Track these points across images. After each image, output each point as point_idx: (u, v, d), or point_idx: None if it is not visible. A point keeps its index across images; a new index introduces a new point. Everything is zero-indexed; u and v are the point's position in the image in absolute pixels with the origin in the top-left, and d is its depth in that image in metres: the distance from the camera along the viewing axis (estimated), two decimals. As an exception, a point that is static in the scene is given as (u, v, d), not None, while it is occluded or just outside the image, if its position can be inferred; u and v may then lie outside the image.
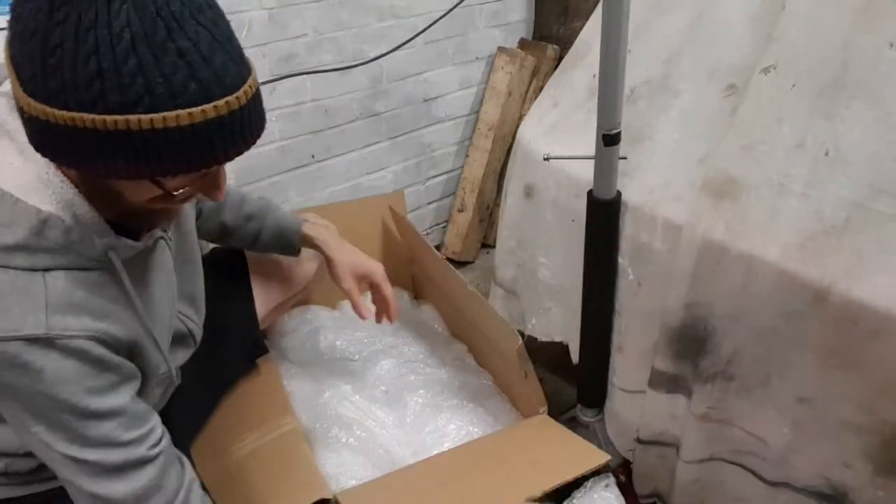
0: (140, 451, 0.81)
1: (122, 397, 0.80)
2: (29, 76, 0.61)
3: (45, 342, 0.71)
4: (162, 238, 0.91)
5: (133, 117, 0.60)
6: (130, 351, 0.83)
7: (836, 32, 1.01)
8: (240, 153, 0.69)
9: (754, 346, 1.04)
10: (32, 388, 0.72)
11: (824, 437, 1.00)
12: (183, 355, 1.08)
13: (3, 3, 1.34)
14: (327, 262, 1.29)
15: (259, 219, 1.26)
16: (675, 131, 1.19)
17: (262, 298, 1.37)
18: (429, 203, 2.33)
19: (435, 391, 1.46)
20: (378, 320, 1.35)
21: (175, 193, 0.70)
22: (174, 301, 0.97)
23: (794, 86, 1.03)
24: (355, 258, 1.29)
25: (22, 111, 0.63)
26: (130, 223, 0.80)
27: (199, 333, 1.10)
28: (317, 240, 1.28)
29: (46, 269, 0.72)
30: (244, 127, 0.67)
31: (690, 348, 1.12)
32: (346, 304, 1.81)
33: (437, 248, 2.37)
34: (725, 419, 1.12)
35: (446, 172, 2.33)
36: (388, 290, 1.31)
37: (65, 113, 0.60)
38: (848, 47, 0.99)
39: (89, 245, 0.74)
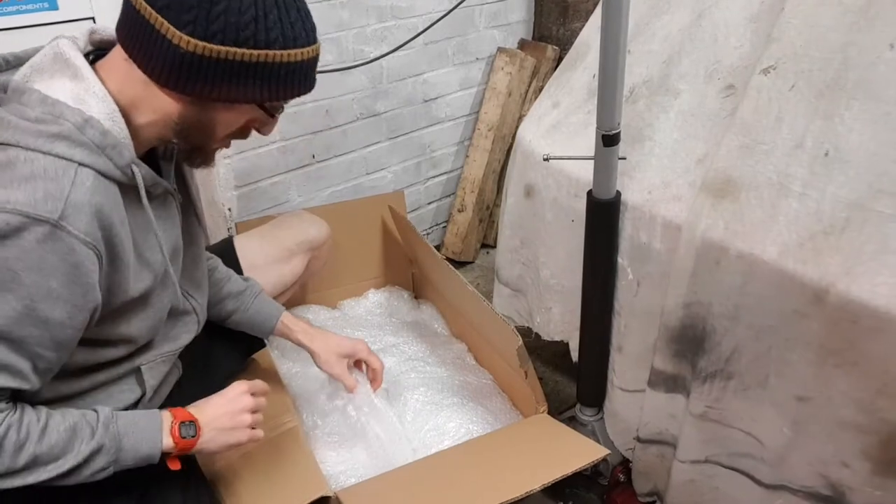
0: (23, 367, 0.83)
1: (62, 314, 0.82)
2: (190, 20, 0.79)
3: (52, 227, 0.77)
4: (171, 194, 0.98)
5: (271, 52, 0.82)
6: (117, 267, 0.87)
7: (835, 33, 1.01)
8: (314, 87, 0.92)
9: (753, 346, 1.04)
10: (5, 258, 0.77)
11: (823, 436, 1.00)
12: (187, 336, 1.10)
13: (3, 5, 1.35)
14: (310, 353, 1.33)
15: (238, 300, 1.29)
16: (675, 131, 1.19)
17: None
18: (429, 203, 2.34)
19: (435, 390, 1.46)
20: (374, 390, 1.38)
21: (273, 115, 0.93)
22: (178, 257, 1.03)
23: (793, 86, 1.03)
24: (335, 342, 1.33)
25: (177, 49, 0.80)
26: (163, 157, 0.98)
27: (203, 316, 1.13)
28: (296, 332, 1.32)
29: (81, 164, 0.81)
30: (317, 68, 0.91)
31: (689, 348, 1.13)
32: (346, 303, 1.82)
33: (437, 248, 2.38)
34: (723, 420, 1.12)
35: (446, 172, 2.33)
36: (375, 362, 1.35)
37: (221, 48, 0.80)
38: (847, 48, 0.99)
39: (120, 153, 0.84)
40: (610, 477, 1.43)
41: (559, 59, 2.22)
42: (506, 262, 1.61)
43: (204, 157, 0.96)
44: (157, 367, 1.05)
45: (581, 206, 1.23)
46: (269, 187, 1.88)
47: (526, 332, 1.51)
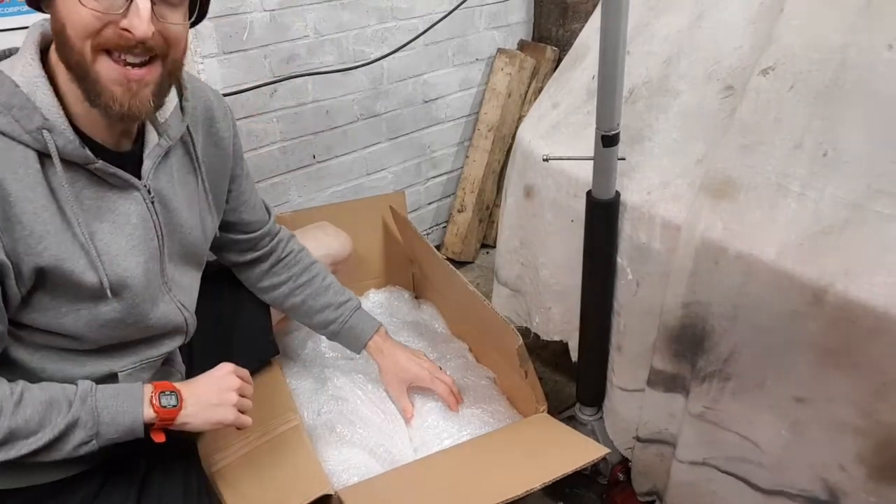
0: None
1: None
2: None
3: None
4: (136, 188, 0.95)
5: None
6: (18, 233, 0.84)
7: (834, 34, 1.01)
8: None
9: (752, 346, 1.04)
10: None
11: (822, 438, 1.00)
12: (170, 343, 1.09)
13: (3, 6, 1.35)
14: (379, 369, 1.42)
15: (339, 310, 1.36)
16: (674, 132, 1.19)
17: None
18: (429, 203, 2.34)
19: (435, 390, 1.47)
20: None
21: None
22: (136, 257, 0.97)
23: (792, 87, 1.04)
24: (401, 367, 1.39)
25: None
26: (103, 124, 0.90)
27: (192, 325, 1.12)
28: (371, 349, 1.40)
29: None
30: None
31: (688, 347, 1.13)
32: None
33: (437, 248, 2.38)
34: (720, 422, 1.12)
35: (446, 173, 2.33)
36: (438, 387, 1.40)
37: None
38: (846, 48, 0.99)
39: (28, 116, 0.82)
40: (609, 476, 1.44)
41: (559, 60, 2.23)
42: (505, 262, 1.61)
43: (88, 85, 0.84)
44: (136, 374, 1.04)
45: (580, 206, 1.23)
46: (270, 188, 1.88)
47: (525, 333, 1.51)
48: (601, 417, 1.43)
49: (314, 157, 1.94)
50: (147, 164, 0.96)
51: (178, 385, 1.00)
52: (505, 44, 2.27)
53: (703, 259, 1.06)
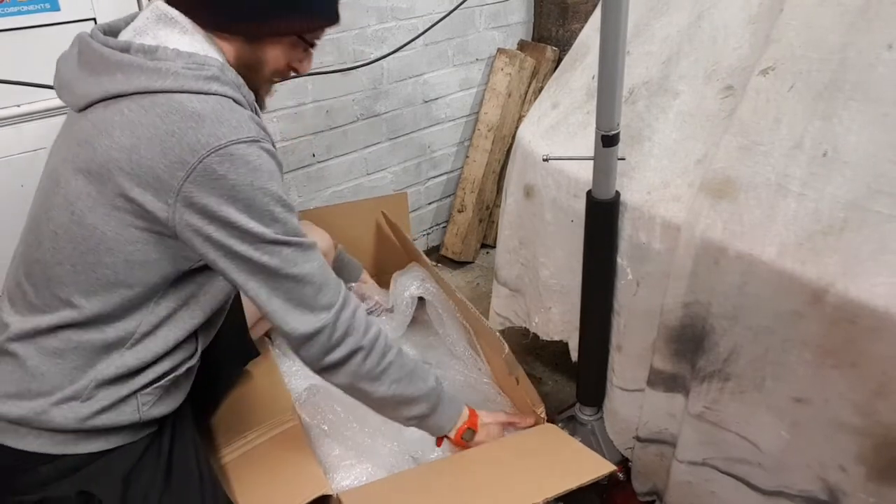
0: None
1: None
2: None
3: (258, 143, 0.88)
4: None
5: None
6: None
7: (834, 34, 1.02)
8: (340, 20, 1.03)
9: (752, 346, 1.04)
10: (254, 185, 0.87)
11: (821, 438, 1.00)
12: (226, 304, 1.13)
13: (3, 6, 1.35)
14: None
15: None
16: (674, 132, 1.19)
17: (251, 307, 1.36)
18: (429, 203, 2.34)
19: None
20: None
21: (314, 44, 1.02)
22: None
23: (792, 87, 1.04)
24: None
25: None
26: None
27: None
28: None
29: (232, 98, 0.90)
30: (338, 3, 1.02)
31: (688, 347, 1.13)
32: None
33: (437, 248, 2.38)
34: (720, 422, 1.12)
35: (446, 173, 2.33)
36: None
37: None
38: (846, 49, 1.00)
39: (248, 92, 0.95)
40: (609, 476, 1.43)
41: (559, 60, 2.23)
42: (505, 262, 1.61)
43: (258, 101, 1.04)
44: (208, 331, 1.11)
45: (580, 206, 1.23)
46: (270, 187, 1.88)
47: (525, 333, 1.51)
48: (601, 417, 1.43)
49: (314, 156, 1.94)
50: None
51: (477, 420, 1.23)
52: (505, 44, 2.27)
53: (702, 259, 1.06)
